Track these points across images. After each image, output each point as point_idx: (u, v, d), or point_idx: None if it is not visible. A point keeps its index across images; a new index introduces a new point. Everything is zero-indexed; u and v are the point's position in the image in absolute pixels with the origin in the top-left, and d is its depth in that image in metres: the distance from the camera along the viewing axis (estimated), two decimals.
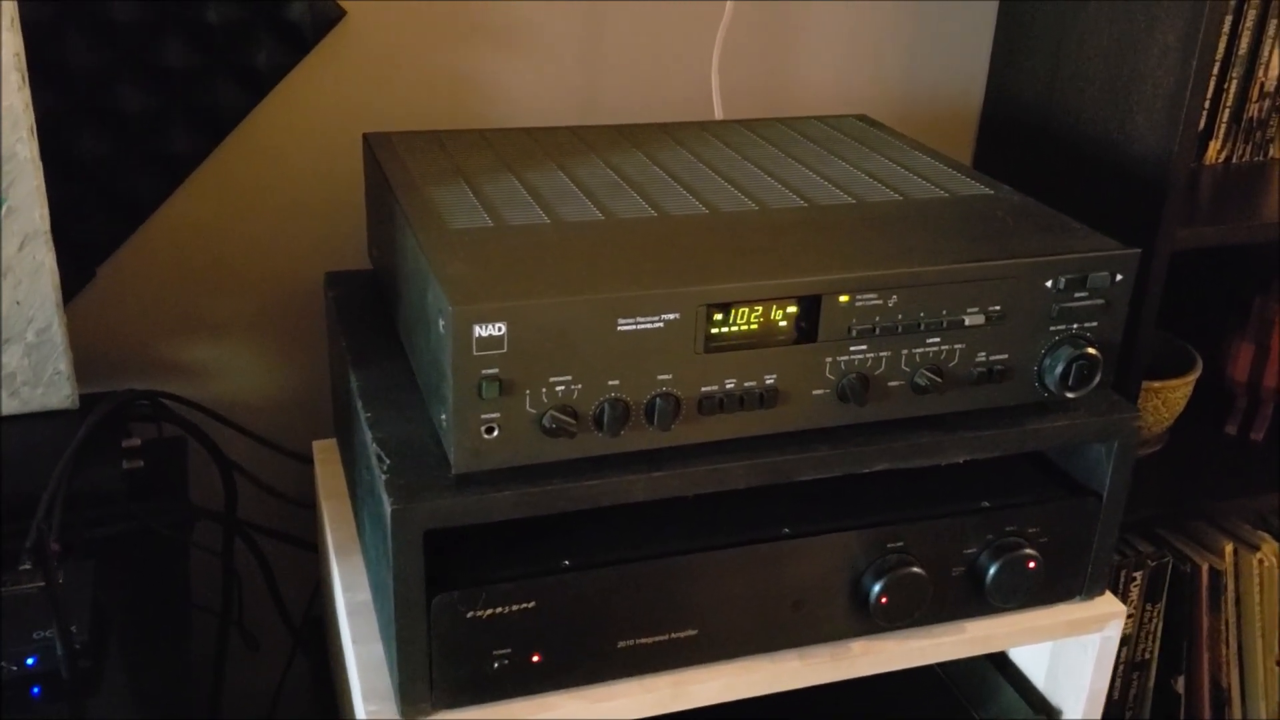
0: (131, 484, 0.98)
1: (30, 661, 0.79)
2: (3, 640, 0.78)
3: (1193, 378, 1.28)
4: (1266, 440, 1.37)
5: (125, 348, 1.11)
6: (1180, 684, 1.42)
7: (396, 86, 1.10)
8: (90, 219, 1.07)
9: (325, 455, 1.04)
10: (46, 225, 0.95)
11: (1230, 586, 1.39)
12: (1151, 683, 1.40)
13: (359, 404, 0.80)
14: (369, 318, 0.92)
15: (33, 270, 0.96)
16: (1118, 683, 1.36)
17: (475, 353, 0.66)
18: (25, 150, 0.93)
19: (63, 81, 1.00)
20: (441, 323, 0.68)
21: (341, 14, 1.06)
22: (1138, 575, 1.32)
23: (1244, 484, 1.29)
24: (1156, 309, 1.11)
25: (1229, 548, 1.37)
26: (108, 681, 0.80)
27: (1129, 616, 1.33)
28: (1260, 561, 1.37)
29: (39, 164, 0.93)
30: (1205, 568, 1.36)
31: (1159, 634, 1.37)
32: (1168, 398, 1.27)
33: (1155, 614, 1.35)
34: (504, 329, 0.67)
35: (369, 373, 0.83)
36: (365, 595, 0.85)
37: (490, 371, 0.67)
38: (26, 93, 0.90)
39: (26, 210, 0.94)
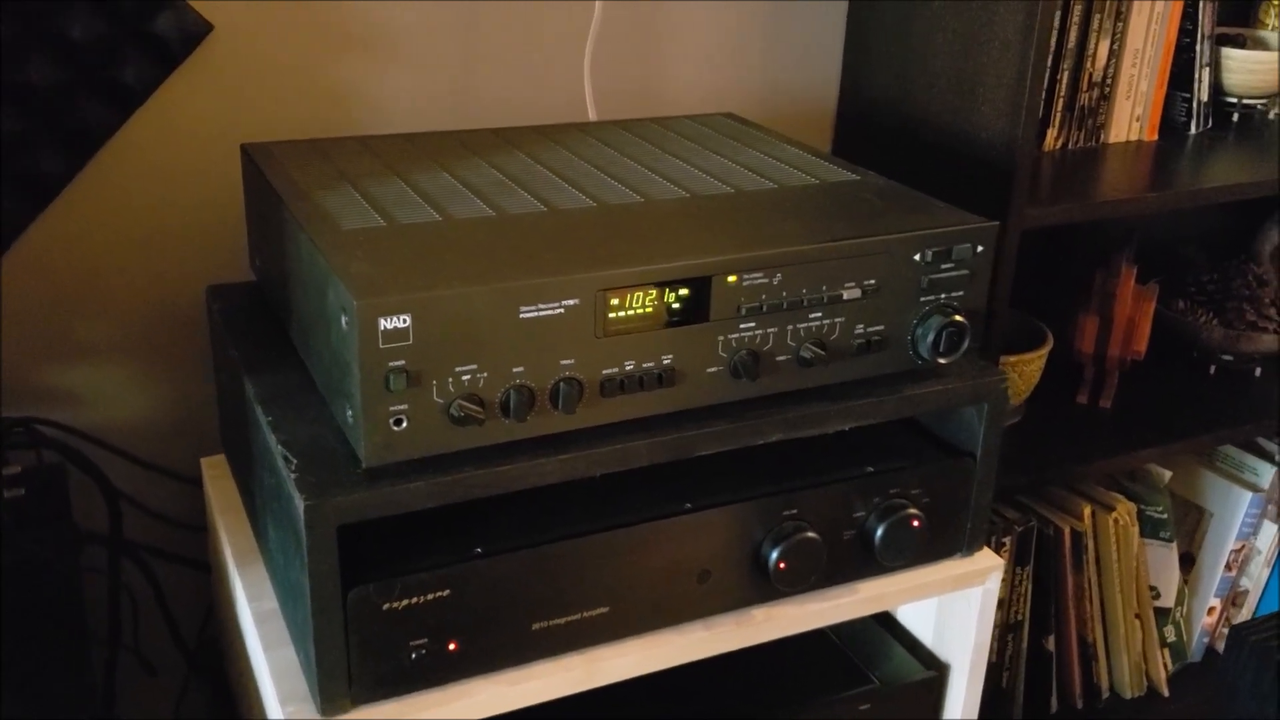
0: (14, 512, 0.95)
1: None
2: None
3: (1045, 351, 1.36)
4: (1115, 407, 1.47)
5: None
6: (1051, 642, 1.50)
7: (269, 98, 1.10)
8: None
9: (215, 471, 1.03)
10: None
11: (1091, 546, 1.48)
12: (1025, 643, 1.48)
13: (258, 410, 0.80)
14: (256, 328, 0.92)
15: None
16: (994, 645, 1.44)
17: (381, 345, 0.68)
18: None
19: None
20: (345, 319, 0.69)
21: (209, 28, 1.06)
22: (1006, 540, 1.39)
23: (1097, 449, 1.38)
24: (1010, 285, 1.18)
25: (1087, 510, 1.46)
26: (6, 707, 0.78)
27: (1002, 581, 1.40)
28: (1115, 521, 1.47)
29: None
30: (1067, 530, 1.45)
31: (1029, 596, 1.45)
32: (1023, 371, 1.35)
33: (1025, 576, 1.43)
34: (409, 320, 0.68)
35: (263, 379, 0.83)
36: (271, 603, 0.85)
37: (397, 364, 0.69)
38: None
39: None
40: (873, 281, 0.81)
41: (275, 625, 0.82)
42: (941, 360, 0.84)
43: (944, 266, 0.83)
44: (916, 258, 0.82)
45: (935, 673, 0.99)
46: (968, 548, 0.93)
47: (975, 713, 1.00)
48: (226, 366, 0.93)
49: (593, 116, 1.15)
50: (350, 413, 0.71)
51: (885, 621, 1.05)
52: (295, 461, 0.73)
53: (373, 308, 0.67)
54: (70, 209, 1.06)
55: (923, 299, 0.83)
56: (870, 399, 0.84)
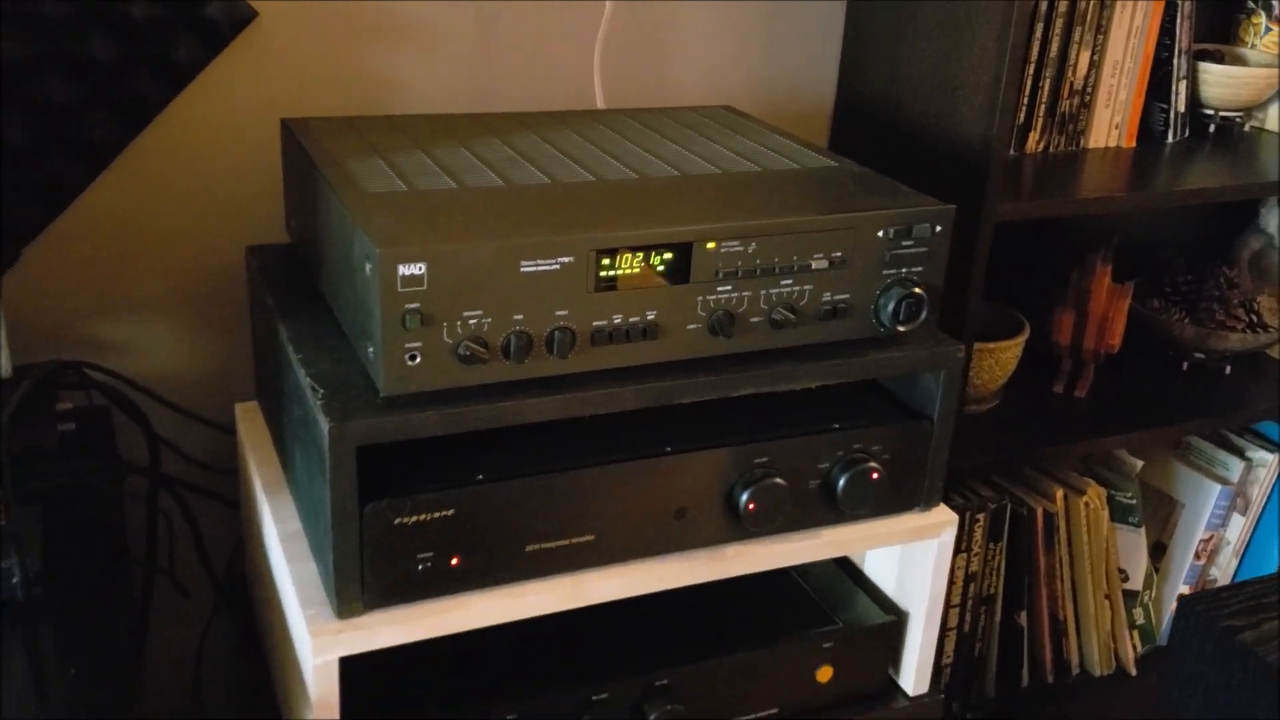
0: (65, 444, 1.06)
1: None
2: None
3: (1021, 340, 1.45)
4: (1089, 398, 1.56)
5: (50, 325, 1.18)
6: (1023, 618, 1.59)
7: (306, 79, 1.20)
8: (16, 204, 1.14)
9: (247, 415, 1.13)
10: None
11: (1062, 528, 1.57)
12: (998, 617, 1.56)
13: (289, 350, 0.90)
14: (290, 282, 1.03)
15: None
16: (968, 617, 1.53)
17: (399, 289, 0.78)
18: None
19: None
20: (369, 266, 0.79)
21: (254, 14, 1.16)
22: (980, 517, 1.48)
23: (1071, 435, 1.47)
24: (984, 273, 1.27)
25: (1060, 493, 1.55)
26: (56, 610, 0.88)
27: (975, 554, 1.49)
28: (1086, 504, 1.56)
29: None
30: (1040, 511, 1.53)
31: (1002, 571, 1.54)
32: (1000, 358, 1.44)
33: (998, 552, 1.52)
34: (424, 269, 0.78)
35: (295, 324, 0.94)
36: (295, 525, 0.95)
37: (413, 306, 0.79)
38: None
39: None
40: (839, 254, 0.91)
41: (298, 544, 0.93)
42: (901, 328, 0.94)
43: (905, 243, 0.93)
44: (880, 234, 0.91)
45: (895, 618, 1.08)
46: (925, 503, 1.02)
47: (931, 656, 1.09)
48: (263, 315, 1.03)
49: (601, 105, 1.25)
50: (371, 349, 0.81)
51: (851, 572, 1.15)
52: (322, 391, 0.83)
53: (393, 256, 0.77)
54: (123, 174, 1.17)
55: (885, 272, 0.93)
56: (835, 360, 0.94)
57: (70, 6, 1.08)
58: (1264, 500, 1.72)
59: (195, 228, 1.21)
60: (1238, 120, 1.61)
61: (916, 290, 0.93)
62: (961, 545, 1.47)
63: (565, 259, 0.82)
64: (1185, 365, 1.64)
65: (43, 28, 1.08)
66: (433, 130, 1.06)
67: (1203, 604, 1.21)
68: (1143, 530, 1.64)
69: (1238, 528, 1.73)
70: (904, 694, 1.10)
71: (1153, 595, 1.71)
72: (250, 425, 1.11)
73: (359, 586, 0.83)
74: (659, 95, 1.36)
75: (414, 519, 0.83)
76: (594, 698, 0.96)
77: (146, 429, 1.14)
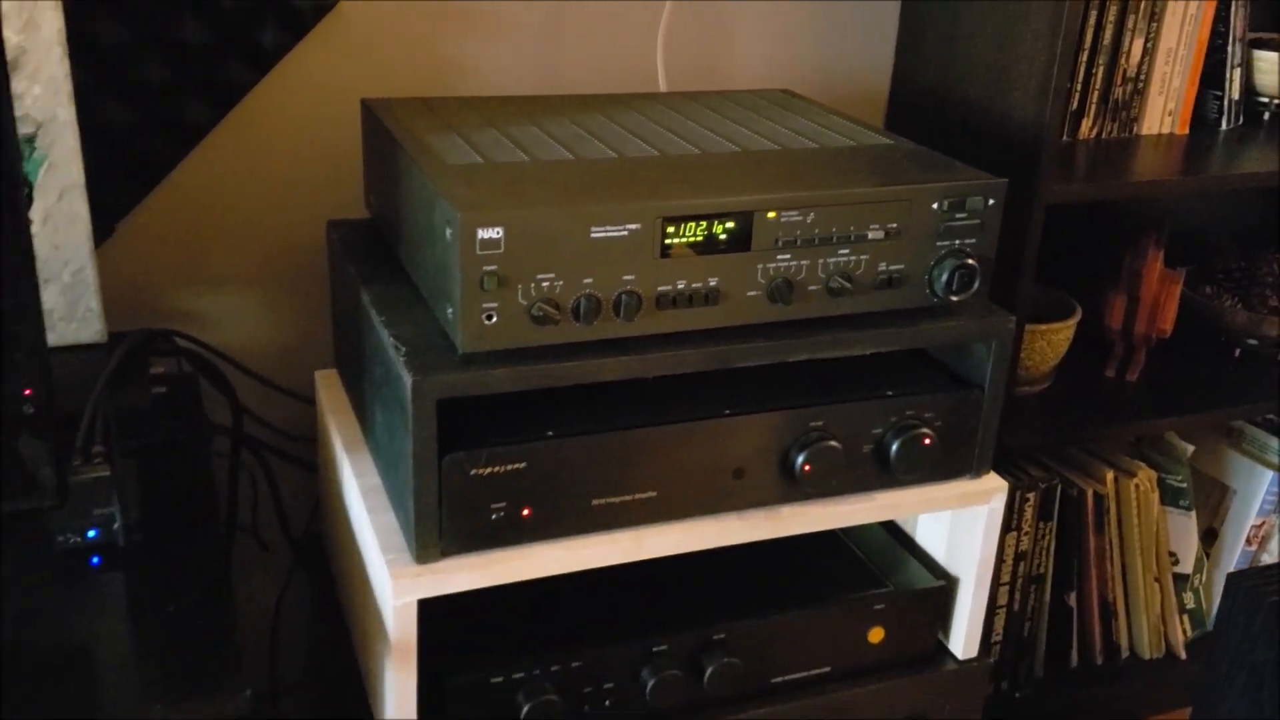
0: (157, 406, 1.12)
1: (91, 534, 0.94)
2: (71, 517, 0.93)
3: (1073, 322, 1.48)
4: (1141, 381, 1.58)
5: (140, 296, 1.25)
6: (1072, 598, 1.61)
7: (384, 63, 1.26)
8: (110, 180, 1.21)
9: (326, 382, 1.19)
10: (82, 179, 1.09)
11: (1113, 509, 1.59)
12: (1047, 597, 1.59)
13: (372, 313, 0.96)
14: (370, 253, 1.08)
15: (70, 219, 1.10)
16: (1017, 595, 1.55)
17: (478, 252, 0.83)
18: (65, 113, 1.07)
19: (93, 55, 1.15)
20: (449, 231, 0.84)
21: (335, 1, 1.22)
22: (1031, 496, 1.51)
23: (1121, 417, 1.49)
24: (1036, 254, 1.30)
25: (1110, 475, 1.57)
26: (152, 556, 0.94)
27: (1025, 534, 1.52)
28: (1137, 487, 1.58)
29: (76, 126, 1.07)
30: (1090, 492, 1.56)
31: (1052, 551, 1.56)
32: (1052, 339, 1.46)
33: (1048, 532, 1.54)
34: (501, 233, 0.83)
35: (377, 290, 0.99)
36: (375, 480, 1.01)
37: (490, 269, 0.84)
38: (67, 64, 1.05)
39: (65, 166, 1.08)
40: (895, 225, 0.95)
41: (378, 497, 0.98)
42: (954, 298, 0.98)
43: (958, 216, 0.96)
44: (934, 206, 0.95)
45: (944, 583, 1.11)
46: (975, 470, 1.06)
47: (980, 622, 1.12)
48: (344, 284, 1.09)
49: (663, 88, 1.30)
50: (450, 310, 0.86)
51: (903, 540, 1.18)
52: (404, 349, 0.88)
53: (473, 221, 0.82)
54: (210, 153, 1.23)
55: (939, 244, 0.97)
56: (889, 328, 0.98)
57: None
58: None
59: (277, 205, 1.27)
60: None
61: (969, 261, 0.97)
62: (1012, 524, 1.50)
63: (633, 226, 0.87)
64: (1237, 352, 1.66)
65: (139, 13, 1.15)
66: (504, 110, 1.11)
67: (1251, 580, 1.23)
68: (1193, 514, 1.66)
69: None
70: (953, 657, 1.13)
71: (1203, 580, 1.72)
72: (329, 390, 1.17)
73: (437, 533, 0.89)
74: (718, 80, 1.41)
75: (488, 470, 0.88)
76: (654, 649, 1.00)
77: (230, 396, 1.20)
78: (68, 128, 1.07)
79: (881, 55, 1.49)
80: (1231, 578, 1.23)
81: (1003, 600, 1.54)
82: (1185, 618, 1.71)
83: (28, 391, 0.83)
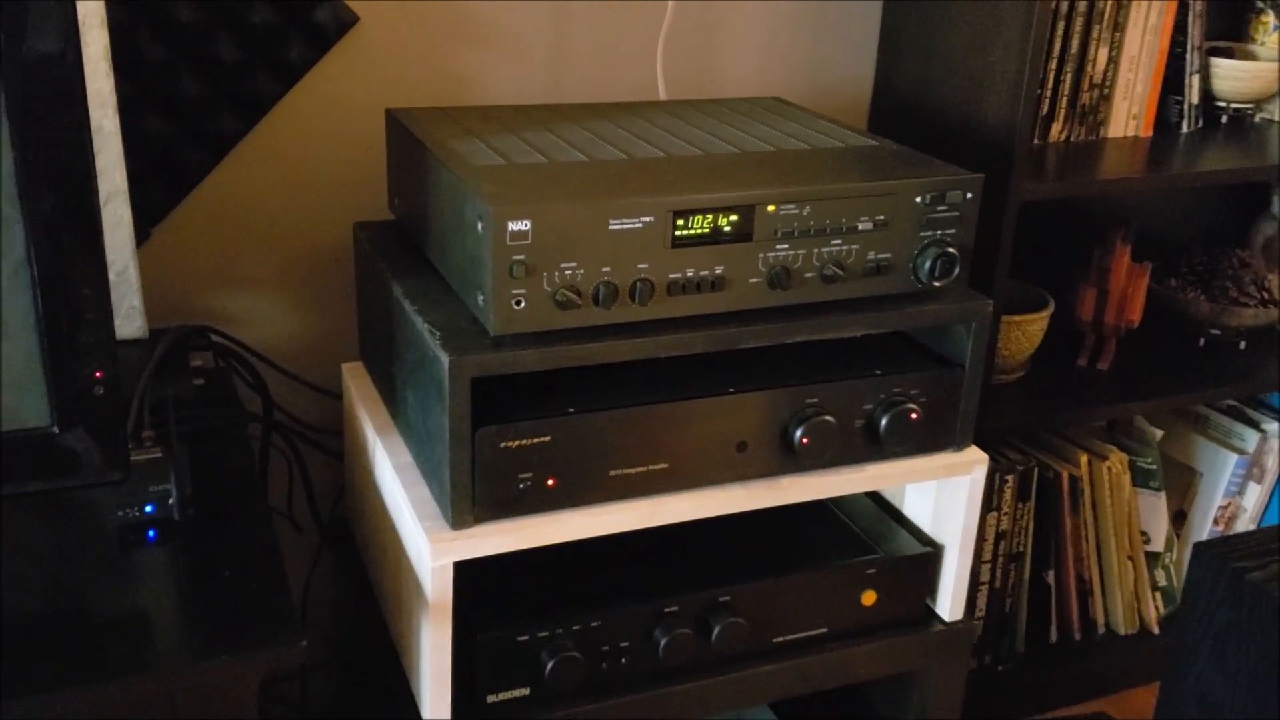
0: (198, 393, 1.20)
1: (148, 509, 1.02)
2: (129, 494, 1.01)
3: (1047, 314, 1.58)
4: (1111, 369, 1.67)
5: (175, 297, 1.33)
6: (1050, 576, 1.70)
7: (402, 76, 1.35)
8: (147, 187, 1.29)
9: (353, 373, 1.27)
10: (125, 186, 1.17)
11: (1087, 491, 1.69)
12: (1027, 574, 1.68)
13: (405, 304, 1.04)
14: (397, 250, 1.17)
15: (114, 223, 1.19)
16: (998, 573, 1.65)
17: (508, 242, 0.92)
18: (110, 124, 1.15)
19: (135, 71, 1.23)
20: (480, 225, 0.93)
21: (356, 19, 1.31)
22: (1010, 478, 1.60)
23: (1093, 403, 1.59)
24: (1011, 249, 1.40)
25: (1084, 458, 1.67)
26: (204, 529, 1.02)
27: (1005, 513, 1.61)
28: (1109, 469, 1.67)
29: (120, 136, 1.15)
30: (1065, 475, 1.65)
31: (1030, 531, 1.66)
32: (1026, 330, 1.56)
33: (1026, 512, 1.64)
34: (529, 225, 0.92)
35: (407, 283, 1.08)
36: (407, 459, 1.09)
37: (519, 258, 0.93)
38: (112, 79, 1.13)
39: (110, 173, 1.16)
40: (882, 217, 1.04)
41: (412, 473, 1.07)
42: (936, 283, 1.07)
43: (940, 208, 1.06)
44: (918, 199, 1.05)
45: (931, 549, 1.20)
46: (958, 444, 1.15)
47: (965, 587, 1.21)
48: (373, 280, 1.17)
49: (663, 96, 1.39)
50: (481, 297, 0.95)
51: (891, 512, 1.27)
52: (439, 334, 0.97)
53: (503, 214, 0.91)
54: (241, 161, 1.32)
55: (922, 234, 1.06)
56: (878, 311, 1.07)
57: (199, 13, 1.24)
58: (1279, 469, 1.83)
59: (301, 209, 1.36)
60: (1248, 112, 1.73)
61: (950, 249, 1.06)
62: (992, 504, 1.59)
63: (647, 219, 0.96)
64: (1202, 341, 1.76)
65: (176, 32, 1.23)
66: (518, 118, 1.20)
67: (1216, 548, 1.32)
68: (1163, 494, 1.76)
69: (1254, 495, 1.84)
70: (940, 619, 1.22)
71: (1174, 558, 1.82)
72: (357, 380, 1.25)
73: (470, 501, 0.97)
74: (713, 89, 1.50)
75: (517, 443, 0.97)
76: (665, 610, 1.09)
77: (262, 388, 1.29)
78: (113, 138, 1.15)
79: (863, 65, 1.59)
80: (1198, 546, 1.32)
81: (985, 578, 1.63)
82: (1158, 595, 1.80)
83: (98, 374, 0.91)
